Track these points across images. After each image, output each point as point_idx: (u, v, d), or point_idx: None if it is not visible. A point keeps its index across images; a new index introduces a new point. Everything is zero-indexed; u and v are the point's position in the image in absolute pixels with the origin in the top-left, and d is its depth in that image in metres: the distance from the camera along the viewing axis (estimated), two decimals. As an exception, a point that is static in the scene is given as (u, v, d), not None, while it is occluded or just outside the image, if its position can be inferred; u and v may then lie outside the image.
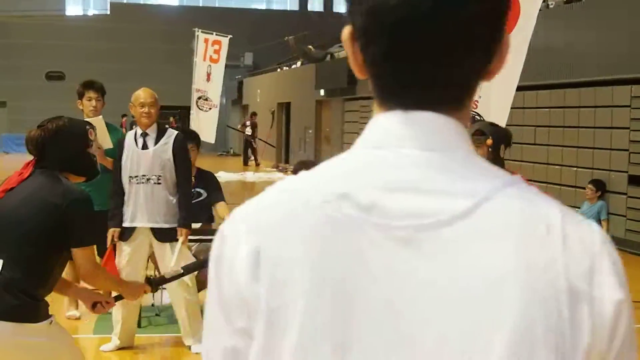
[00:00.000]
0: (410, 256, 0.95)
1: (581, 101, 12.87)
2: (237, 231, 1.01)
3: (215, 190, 7.73)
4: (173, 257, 6.32)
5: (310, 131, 27.54)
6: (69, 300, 7.32)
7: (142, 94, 6.52)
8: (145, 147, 6.40)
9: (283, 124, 31.10)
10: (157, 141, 6.42)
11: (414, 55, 0.99)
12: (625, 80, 11.69)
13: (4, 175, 4.06)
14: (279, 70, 33.26)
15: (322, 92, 25.81)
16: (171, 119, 27.22)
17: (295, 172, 7.98)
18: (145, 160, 6.38)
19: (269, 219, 0.99)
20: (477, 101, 7.59)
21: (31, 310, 3.29)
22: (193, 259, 6.32)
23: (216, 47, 16.12)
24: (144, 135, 6.43)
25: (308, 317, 0.94)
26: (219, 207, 7.64)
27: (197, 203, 7.59)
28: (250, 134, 29.01)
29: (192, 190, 7.55)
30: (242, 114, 33.01)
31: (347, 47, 1.05)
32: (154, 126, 6.46)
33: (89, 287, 3.81)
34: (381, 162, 0.98)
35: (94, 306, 3.65)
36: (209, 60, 16.08)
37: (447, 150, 0.99)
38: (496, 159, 4.90)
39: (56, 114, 3.92)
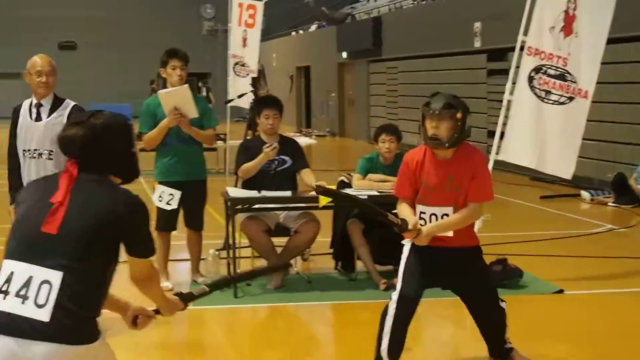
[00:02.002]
0: None
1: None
2: None
3: (299, 157, 7.59)
4: None
5: (333, 94, 27.30)
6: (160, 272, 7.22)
7: (39, 61, 5.98)
8: (38, 118, 5.93)
9: (302, 88, 30.85)
10: (50, 113, 5.92)
11: None
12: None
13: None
14: (294, 33, 32.92)
15: (344, 54, 25.52)
16: (200, 84, 26.93)
17: (375, 136, 7.82)
18: (36, 132, 5.90)
19: None
20: (567, 58, 7.43)
21: (88, 329, 3.00)
22: None
23: (251, 11, 15.84)
24: (38, 105, 5.94)
25: None
26: (304, 174, 7.51)
27: (281, 170, 7.47)
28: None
29: (276, 157, 7.42)
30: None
31: None
32: (50, 96, 5.95)
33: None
34: None
35: (134, 320, 3.37)
36: (245, 25, 15.82)
37: None
38: (465, 131, 4.87)
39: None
